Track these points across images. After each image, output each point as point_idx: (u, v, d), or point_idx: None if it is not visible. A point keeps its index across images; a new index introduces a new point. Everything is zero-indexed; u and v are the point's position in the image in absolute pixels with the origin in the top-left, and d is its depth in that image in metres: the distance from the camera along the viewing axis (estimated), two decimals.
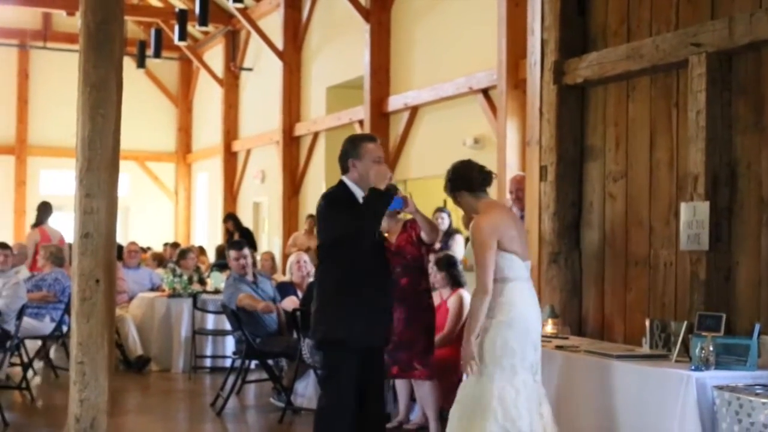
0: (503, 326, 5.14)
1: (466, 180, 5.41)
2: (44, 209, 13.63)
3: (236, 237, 15.51)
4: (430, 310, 7.19)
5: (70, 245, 9.45)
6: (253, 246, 15.34)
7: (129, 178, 22.13)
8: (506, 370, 5.12)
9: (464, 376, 5.36)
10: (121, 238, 17.03)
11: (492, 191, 10.60)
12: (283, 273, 11.63)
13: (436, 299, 7.86)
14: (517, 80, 9.95)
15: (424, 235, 6.93)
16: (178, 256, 12.03)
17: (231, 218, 16.45)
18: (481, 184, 5.43)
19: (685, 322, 5.43)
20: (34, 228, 13.55)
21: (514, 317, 5.16)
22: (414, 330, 6.98)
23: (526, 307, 5.24)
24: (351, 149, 5.64)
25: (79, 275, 5.83)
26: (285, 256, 13.70)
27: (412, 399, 7.63)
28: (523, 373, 5.16)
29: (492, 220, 5.22)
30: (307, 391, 8.44)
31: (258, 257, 13.05)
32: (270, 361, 9.03)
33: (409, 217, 7.01)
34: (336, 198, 5.59)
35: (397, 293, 6.85)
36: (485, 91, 11.05)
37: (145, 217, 22.53)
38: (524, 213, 7.48)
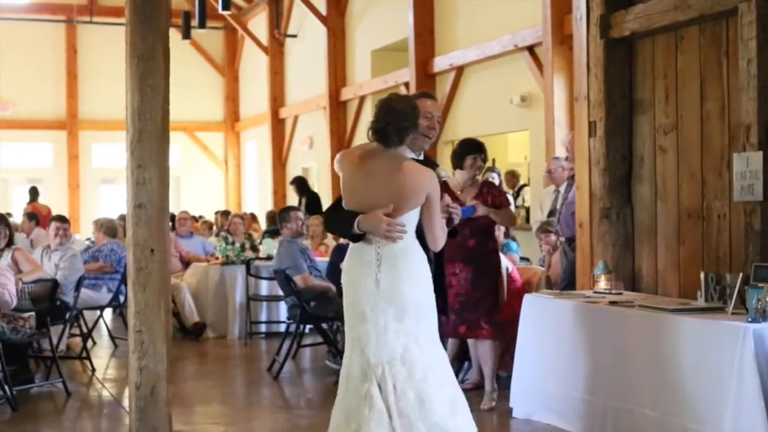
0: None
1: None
2: (33, 192, 18.00)
3: (303, 201, 15.68)
4: (496, 271, 7.18)
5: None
6: (319, 210, 15.42)
7: (179, 148, 22.31)
8: (348, 341, 4.78)
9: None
10: (174, 209, 17.20)
11: (540, 148, 10.72)
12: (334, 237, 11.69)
13: None
14: (562, 36, 9.86)
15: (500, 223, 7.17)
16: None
17: (296, 181, 16.54)
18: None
19: (741, 274, 5.38)
20: (28, 204, 17.58)
21: (343, 283, 4.85)
22: (480, 290, 7.00)
23: (352, 270, 4.79)
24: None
25: (133, 245, 5.88)
26: None
27: (465, 359, 7.66)
28: (349, 348, 4.76)
29: None
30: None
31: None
32: (324, 324, 9.10)
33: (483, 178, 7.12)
34: None
35: (464, 254, 6.99)
36: (531, 49, 10.97)
37: (197, 186, 22.71)
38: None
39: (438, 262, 5.06)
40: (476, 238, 7.03)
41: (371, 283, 4.68)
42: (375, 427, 4.53)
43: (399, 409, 4.53)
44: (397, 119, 4.69)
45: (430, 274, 4.77)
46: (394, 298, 4.64)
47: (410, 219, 4.68)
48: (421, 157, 5.14)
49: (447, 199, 4.94)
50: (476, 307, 7.01)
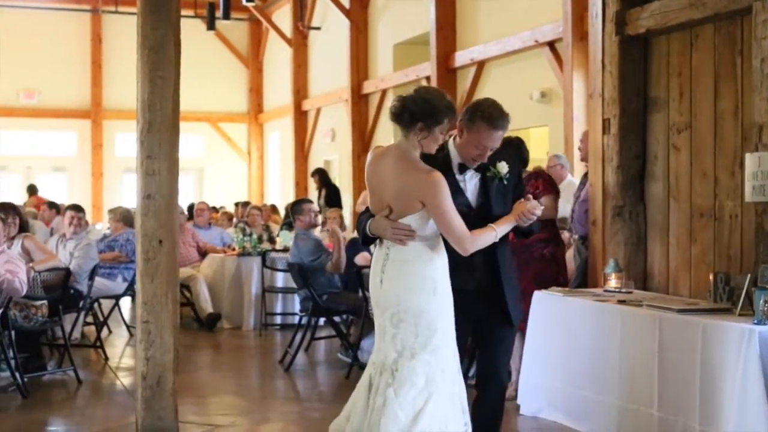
0: None
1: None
2: (31, 189, 18.75)
3: (323, 193, 15.70)
4: (541, 261, 7.03)
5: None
6: (339, 203, 15.45)
7: (203, 139, 22.44)
8: None
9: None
10: (196, 199, 17.27)
11: (559, 144, 10.67)
12: (353, 230, 11.69)
13: None
14: (582, 32, 9.81)
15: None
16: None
17: (318, 173, 16.59)
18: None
19: (749, 275, 5.33)
20: (31, 197, 17.97)
21: None
22: (524, 281, 6.81)
23: (371, 268, 4.76)
24: (467, 114, 4.76)
25: (142, 236, 5.92)
26: (355, 214, 13.76)
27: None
28: None
29: None
30: (373, 347, 8.47)
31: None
32: (338, 317, 9.11)
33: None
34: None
35: None
36: (551, 44, 10.92)
37: (220, 177, 22.77)
38: None
39: (493, 269, 4.81)
40: (515, 231, 6.93)
41: (377, 283, 4.61)
42: (356, 420, 4.56)
43: (371, 411, 4.49)
44: (416, 103, 4.46)
45: (443, 282, 4.55)
46: (392, 301, 4.53)
47: (418, 222, 4.49)
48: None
49: (532, 204, 4.62)
50: (523, 299, 6.93)
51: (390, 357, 4.51)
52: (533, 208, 4.61)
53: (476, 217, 4.66)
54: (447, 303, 4.56)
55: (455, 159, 4.78)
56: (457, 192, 4.69)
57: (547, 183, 7.18)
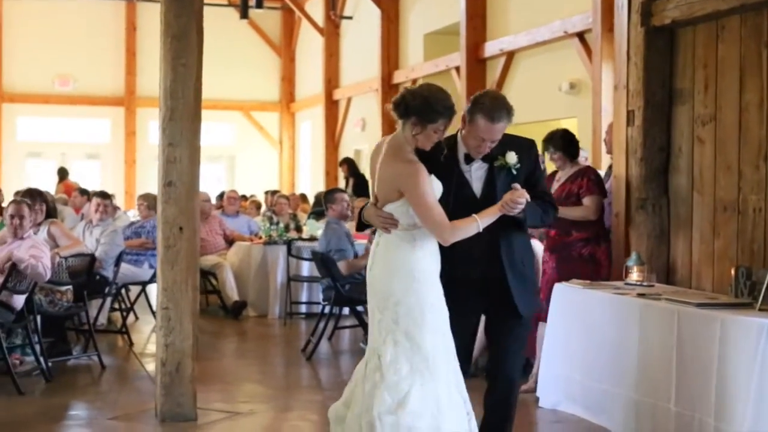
0: None
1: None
2: (62, 172, 19.26)
3: (351, 182, 15.69)
4: (579, 260, 6.96)
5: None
6: (366, 193, 15.46)
7: (235, 127, 22.54)
8: None
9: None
10: (228, 187, 17.34)
11: (587, 137, 10.60)
12: None
13: None
14: (611, 24, 9.62)
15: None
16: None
17: (346, 162, 16.61)
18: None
19: None
20: (60, 183, 18.58)
21: None
22: (561, 278, 6.82)
23: None
24: (469, 106, 4.74)
25: (163, 223, 5.97)
26: None
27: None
28: None
29: None
30: None
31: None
32: (360, 307, 9.11)
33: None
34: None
35: (549, 243, 6.99)
36: (581, 35, 10.84)
37: (251, 166, 22.85)
38: None
39: (497, 260, 4.71)
40: (558, 228, 6.90)
41: (369, 269, 4.72)
42: (357, 407, 4.59)
43: (365, 396, 4.53)
44: (414, 97, 4.53)
45: (424, 271, 4.55)
46: (377, 288, 4.64)
47: (398, 211, 4.57)
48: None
49: (518, 193, 4.54)
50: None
51: (377, 342, 4.59)
52: (518, 197, 4.56)
53: (482, 207, 4.64)
54: (430, 293, 4.57)
55: (461, 150, 4.79)
56: (461, 183, 4.74)
57: (591, 183, 7.00)
